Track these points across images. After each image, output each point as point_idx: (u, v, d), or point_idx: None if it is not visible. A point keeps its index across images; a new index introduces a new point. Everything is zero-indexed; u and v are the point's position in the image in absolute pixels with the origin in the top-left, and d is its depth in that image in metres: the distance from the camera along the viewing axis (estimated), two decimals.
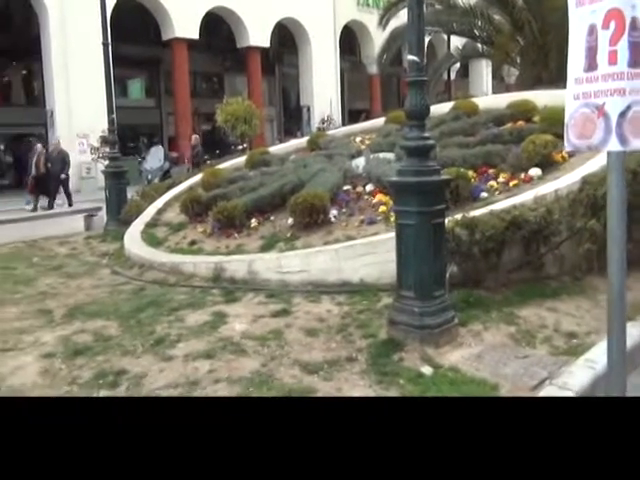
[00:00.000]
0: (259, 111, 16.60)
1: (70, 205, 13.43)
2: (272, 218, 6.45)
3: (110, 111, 9.86)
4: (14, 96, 22.09)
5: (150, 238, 7.28)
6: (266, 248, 5.75)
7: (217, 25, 22.99)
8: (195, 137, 16.23)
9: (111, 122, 9.94)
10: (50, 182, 13.58)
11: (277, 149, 10.40)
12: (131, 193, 10.07)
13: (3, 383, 3.65)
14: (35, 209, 13.39)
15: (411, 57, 3.85)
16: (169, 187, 9.50)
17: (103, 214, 10.46)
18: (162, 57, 22.68)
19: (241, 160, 9.88)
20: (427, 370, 3.28)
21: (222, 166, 9.69)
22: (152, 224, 7.88)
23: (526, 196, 4.94)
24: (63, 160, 13.74)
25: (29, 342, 4.34)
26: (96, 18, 9.96)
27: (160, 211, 8.31)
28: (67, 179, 13.77)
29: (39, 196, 13.71)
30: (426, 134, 3.90)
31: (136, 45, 20.88)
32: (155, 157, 14.84)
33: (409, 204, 3.74)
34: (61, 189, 13.83)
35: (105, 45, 9.69)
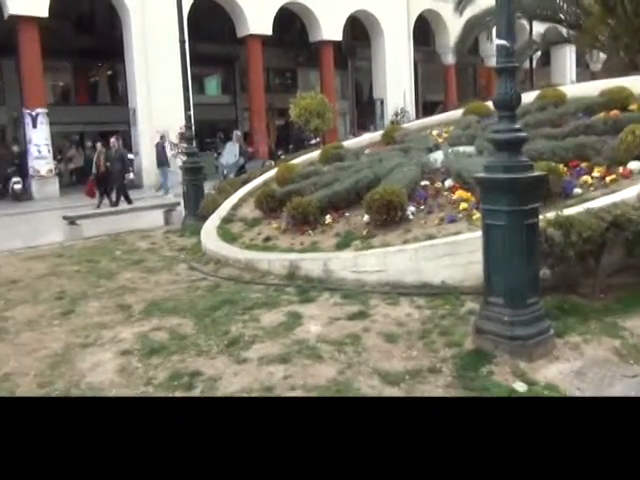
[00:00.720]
0: (332, 105, 16.40)
1: (129, 203, 13.38)
2: (347, 215, 6.23)
3: (187, 108, 9.96)
4: (100, 95, 23.10)
5: (225, 234, 7.26)
6: (341, 246, 5.54)
7: (290, 20, 22.97)
8: (236, 133, 15.96)
9: (188, 119, 10.04)
10: (110, 181, 13.62)
11: (351, 143, 10.16)
12: (208, 188, 10.16)
13: (83, 380, 3.66)
14: (99, 207, 13.52)
15: (500, 42, 3.53)
16: (244, 182, 9.48)
17: (182, 209, 10.62)
18: (237, 54, 22.94)
19: (314, 155, 9.71)
20: (520, 387, 2.96)
21: (296, 161, 9.57)
22: (228, 219, 7.87)
23: (627, 193, 4.45)
24: (121, 159, 13.74)
25: (108, 338, 4.37)
26: (174, 19, 10.06)
27: (235, 206, 8.29)
28: (123, 178, 13.61)
29: (102, 195, 13.82)
30: (517, 125, 3.57)
31: (212, 43, 21.21)
32: (231, 152, 14.96)
33: (498, 203, 3.41)
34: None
35: (182, 42, 9.77)
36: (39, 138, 17.39)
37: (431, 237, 4.99)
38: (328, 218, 6.25)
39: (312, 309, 4.51)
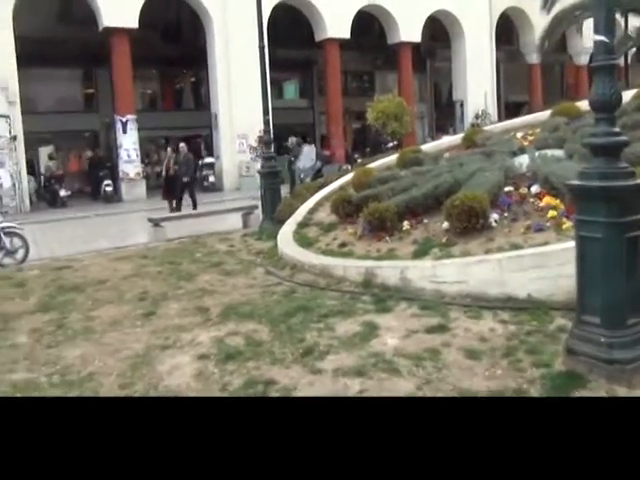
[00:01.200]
0: (410, 108, 16.12)
1: (194, 208, 13.50)
2: (425, 221, 6.03)
3: (265, 112, 10.06)
4: (184, 101, 23.98)
5: (301, 238, 7.24)
6: (419, 254, 5.35)
7: (368, 23, 22.83)
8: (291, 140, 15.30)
9: (266, 123, 10.15)
10: (177, 185, 13.72)
11: (429, 147, 9.90)
12: (285, 192, 10.23)
13: (161, 383, 3.71)
14: (172, 211, 13.55)
15: (598, 37, 3.25)
16: (320, 186, 9.45)
17: (259, 212, 10.75)
18: (315, 58, 23.09)
19: (392, 159, 9.53)
20: None
21: (373, 165, 9.43)
22: (304, 224, 7.85)
23: None
24: (187, 163, 13.85)
25: (187, 341, 4.43)
26: (254, 25, 10.20)
27: (311, 211, 8.26)
28: (190, 182, 13.74)
29: (172, 199, 13.90)
30: (616, 129, 3.27)
31: (291, 48, 21.45)
32: (307, 156, 15.04)
33: (595, 213, 3.13)
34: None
35: (261, 48, 9.88)
36: (128, 143, 18.30)
37: (516, 247, 4.71)
38: (406, 224, 6.08)
39: (389, 320, 4.37)
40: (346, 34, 21.02)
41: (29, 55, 16.42)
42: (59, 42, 17.69)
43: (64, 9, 19.56)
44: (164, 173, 14.17)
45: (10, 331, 5.08)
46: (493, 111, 24.29)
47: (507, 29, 26.49)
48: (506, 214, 5.45)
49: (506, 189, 5.93)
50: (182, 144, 14.56)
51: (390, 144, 16.67)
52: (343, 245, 6.43)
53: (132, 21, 17.50)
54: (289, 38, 21.10)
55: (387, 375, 3.41)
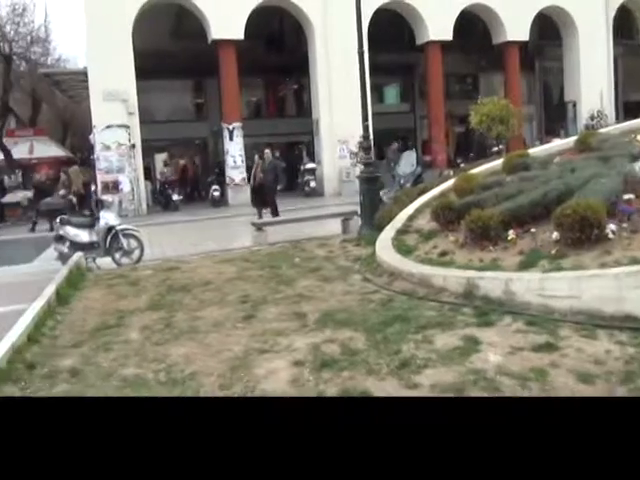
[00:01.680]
0: (517, 110, 15.39)
1: (275, 215, 13.26)
2: (533, 231, 5.68)
3: (365, 118, 10.00)
4: (287, 108, 24.57)
5: (400, 245, 7.11)
6: (526, 266, 5.05)
7: (471, 23, 22.14)
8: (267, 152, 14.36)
9: (365, 129, 10.09)
10: (264, 193, 13.61)
11: (538, 151, 9.37)
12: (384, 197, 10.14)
13: (258, 386, 3.76)
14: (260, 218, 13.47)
15: None
16: (421, 192, 9.25)
17: (358, 217, 10.74)
18: (417, 61, 22.76)
19: (497, 164, 9.12)
20: None
21: (476, 170, 9.09)
22: (403, 231, 7.71)
23: None
24: (274, 170, 13.71)
25: (284, 346, 4.47)
26: (355, 31, 10.21)
27: (411, 217, 8.10)
28: (273, 190, 13.42)
29: (261, 207, 13.82)
30: None
31: (392, 52, 21.26)
32: (407, 162, 14.82)
33: None
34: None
35: (360, 54, 9.86)
36: (234, 150, 19.04)
37: (637, 261, 4.29)
38: (511, 234, 5.76)
39: (491, 335, 4.15)
40: (448, 36, 20.52)
41: (145, 68, 17.60)
42: (172, 55, 18.80)
43: (177, 25, 20.79)
44: (252, 182, 14.09)
45: (123, 327, 5.41)
46: (610, 112, 22.60)
47: (626, 22, 24.58)
48: (625, 224, 5.00)
49: (625, 197, 5.45)
50: (267, 150, 14.41)
51: (495, 148, 16.01)
52: (443, 254, 6.22)
53: (238, 33, 18.23)
54: (390, 42, 20.94)
55: (488, 395, 3.22)
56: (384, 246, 7.28)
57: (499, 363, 3.62)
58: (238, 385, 3.79)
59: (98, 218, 9.77)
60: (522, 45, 22.06)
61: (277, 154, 23.48)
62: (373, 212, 9.40)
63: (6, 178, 21.58)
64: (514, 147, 15.66)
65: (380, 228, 8.28)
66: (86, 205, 10.27)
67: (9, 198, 18.95)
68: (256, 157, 14.89)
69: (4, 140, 23.73)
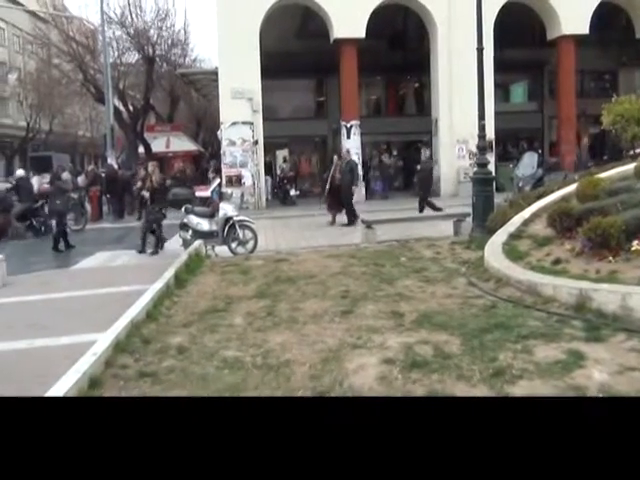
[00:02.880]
0: None
1: (350, 223, 12.70)
2: None
3: (481, 116, 9.66)
4: (407, 107, 24.35)
5: (511, 251, 6.81)
6: None
7: (611, 15, 20.43)
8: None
9: (482, 128, 9.75)
10: (341, 195, 13.19)
11: None
12: (499, 200, 9.74)
13: (346, 380, 3.80)
14: (332, 224, 13.25)
15: None
16: (539, 196, 8.76)
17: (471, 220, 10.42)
18: (547, 58, 21.49)
19: (629, 168, 8.39)
20: None
21: (605, 174, 8.42)
22: (516, 235, 7.38)
23: None
24: (351, 171, 13.16)
25: (377, 343, 4.48)
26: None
27: (526, 222, 7.72)
28: (350, 192, 12.79)
29: (336, 211, 13.43)
30: None
31: (519, 48, 20.31)
32: (528, 164, 14.07)
33: None
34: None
35: (479, 51, 9.53)
36: (352, 147, 19.20)
37: None
38: (635, 244, 5.30)
39: (600, 351, 3.85)
40: (584, 29, 19.09)
41: (270, 68, 18.35)
42: (296, 55, 19.43)
43: (302, 25, 21.42)
44: (328, 186, 13.37)
45: (230, 312, 5.73)
46: None
47: None
48: None
49: None
50: (345, 150, 14.18)
51: (632, 152, 14.67)
52: (556, 262, 5.87)
53: (360, 31, 18.38)
54: (518, 37, 20.01)
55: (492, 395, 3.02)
56: (494, 250, 7.01)
57: (604, 382, 3.36)
58: (327, 377, 3.86)
59: (218, 209, 10.37)
60: None
61: (394, 153, 23.47)
62: (486, 215, 9.08)
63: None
64: None
65: (492, 231, 7.98)
66: (159, 201, 10.93)
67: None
68: (334, 158, 14.48)
69: (145, 135, 25.94)
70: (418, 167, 19.94)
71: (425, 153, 14.13)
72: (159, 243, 10.88)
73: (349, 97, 19.25)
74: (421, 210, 13.18)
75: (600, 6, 19.33)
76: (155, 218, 10.85)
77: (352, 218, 13.07)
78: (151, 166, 11.32)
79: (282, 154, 22.61)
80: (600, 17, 19.39)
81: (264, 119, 18.84)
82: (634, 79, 22.92)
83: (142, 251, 10.71)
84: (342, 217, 13.67)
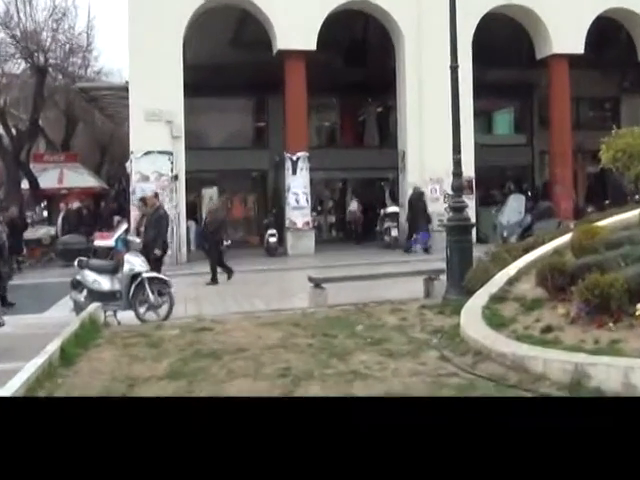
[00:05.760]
0: None
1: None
2: None
3: (456, 150, 10.02)
4: (367, 136, 25.05)
5: (493, 316, 6.98)
6: None
7: (610, 33, 21.88)
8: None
9: (457, 164, 10.07)
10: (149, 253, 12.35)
11: None
12: (480, 253, 10.02)
13: None
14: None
15: None
16: (527, 249, 9.10)
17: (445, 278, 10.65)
18: (536, 80, 22.71)
19: (632, 215, 8.86)
20: None
21: (604, 222, 8.85)
22: (499, 297, 7.59)
23: None
24: (158, 224, 12.39)
25: None
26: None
27: (511, 280, 7.96)
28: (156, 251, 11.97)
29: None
30: None
31: (504, 68, 21.31)
32: (514, 209, 14.64)
33: None
34: None
35: (453, 69, 9.98)
36: (298, 185, 19.49)
37: None
38: (639, 308, 5.55)
39: None
40: (578, 48, 20.30)
41: (196, 83, 18.64)
42: (229, 68, 19.84)
43: (236, 33, 21.97)
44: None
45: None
46: None
47: None
48: None
49: None
50: (151, 194, 14.18)
51: (637, 196, 15.47)
52: (547, 330, 6.06)
53: (309, 42, 18.94)
54: (502, 56, 21.04)
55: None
56: (472, 316, 7.17)
57: None
58: None
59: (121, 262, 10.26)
60: None
61: (350, 193, 23.95)
62: (463, 271, 9.31)
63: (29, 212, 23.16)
64: None
65: (471, 292, 8.18)
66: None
67: (30, 234, 20.22)
68: (138, 202, 14.65)
69: (31, 166, 25.48)
70: (384, 211, 20.51)
71: (414, 186, 14.38)
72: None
73: (296, 122, 19.61)
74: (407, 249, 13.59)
75: (597, 22, 20.61)
76: None
77: (215, 277, 14.22)
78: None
79: (210, 193, 22.67)
80: (597, 35, 20.70)
81: (187, 148, 18.94)
82: (638, 107, 24.36)
83: None
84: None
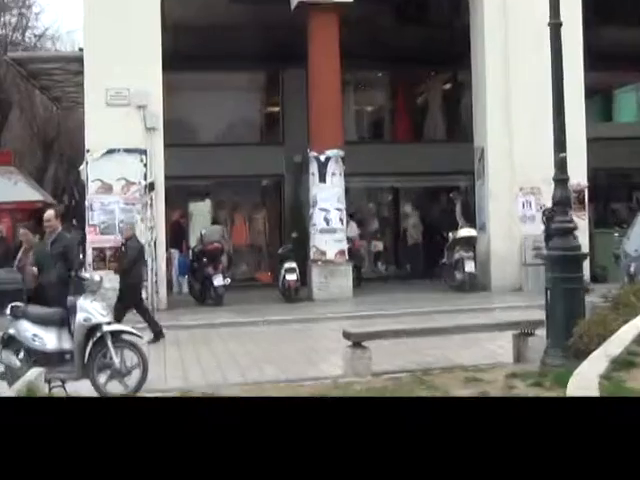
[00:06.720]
0: None
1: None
2: None
3: (559, 146, 9.86)
4: (430, 127, 24.90)
5: (616, 390, 7.00)
6: None
7: None
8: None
9: (561, 164, 9.91)
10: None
11: None
12: (596, 297, 9.99)
13: None
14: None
15: None
16: None
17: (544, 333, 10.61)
18: None
19: None
20: None
21: None
22: (626, 362, 7.62)
23: None
24: (59, 257, 11.82)
25: None
26: None
27: None
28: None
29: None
30: None
31: (628, 29, 21.18)
32: None
33: None
34: None
35: (554, 26, 9.90)
36: (328, 198, 19.31)
37: None
38: None
39: None
40: None
41: (182, 52, 18.82)
42: (229, 30, 20.03)
43: None
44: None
45: None
46: None
47: None
48: None
49: None
50: (50, 212, 12.70)
51: None
52: None
53: None
54: (626, 10, 20.97)
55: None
56: (584, 389, 7.18)
57: None
58: None
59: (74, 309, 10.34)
60: None
61: (410, 208, 23.94)
62: (570, 324, 9.28)
63: None
64: None
65: (582, 355, 8.19)
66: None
67: None
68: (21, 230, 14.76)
69: None
70: (453, 236, 20.40)
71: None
72: None
73: (324, 107, 19.46)
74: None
75: None
76: None
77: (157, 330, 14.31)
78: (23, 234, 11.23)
79: (201, 208, 22.67)
80: None
81: (168, 145, 18.80)
82: None
83: None
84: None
